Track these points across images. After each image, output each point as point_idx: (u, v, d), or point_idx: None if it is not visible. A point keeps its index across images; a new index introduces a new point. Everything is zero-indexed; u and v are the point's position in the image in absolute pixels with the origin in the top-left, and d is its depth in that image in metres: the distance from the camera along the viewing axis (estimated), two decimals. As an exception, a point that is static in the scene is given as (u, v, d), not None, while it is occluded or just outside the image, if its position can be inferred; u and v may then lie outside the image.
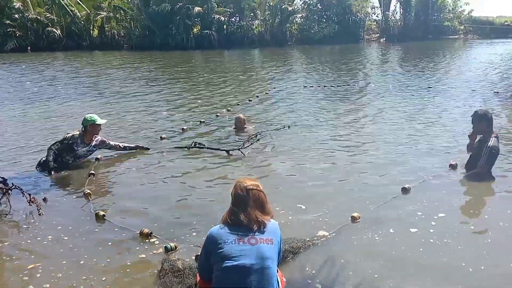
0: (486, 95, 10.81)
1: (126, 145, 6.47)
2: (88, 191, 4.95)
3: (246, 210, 2.71)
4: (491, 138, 5.07)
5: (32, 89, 13.25)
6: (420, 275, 3.27)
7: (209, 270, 2.70)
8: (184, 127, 7.89)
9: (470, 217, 4.37)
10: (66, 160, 5.91)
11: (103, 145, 6.21)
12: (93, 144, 6.07)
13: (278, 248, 2.76)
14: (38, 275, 3.37)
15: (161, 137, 7.28)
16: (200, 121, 8.44)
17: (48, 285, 3.22)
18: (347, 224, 4.05)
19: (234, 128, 7.72)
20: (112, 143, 6.33)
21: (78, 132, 5.96)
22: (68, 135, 5.94)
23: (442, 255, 3.50)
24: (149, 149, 6.56)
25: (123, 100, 11.25)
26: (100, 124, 6.02)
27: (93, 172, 5.60)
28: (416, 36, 34.54)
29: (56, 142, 5.90)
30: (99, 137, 6.15)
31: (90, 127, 5.94)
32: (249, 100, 10.60)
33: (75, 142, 5.89)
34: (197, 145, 6.57)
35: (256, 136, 6.45)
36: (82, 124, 5.99)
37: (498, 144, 5.10)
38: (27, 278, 3.34)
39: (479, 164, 5.10)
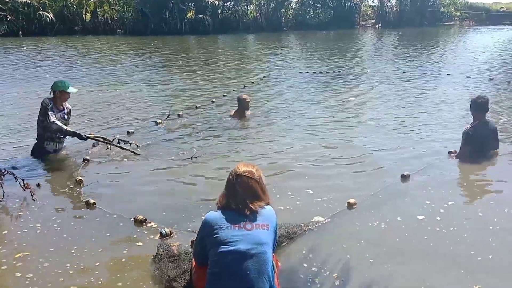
0: (481, 82, 10.82)
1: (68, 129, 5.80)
2: (80, 178, 4.86)
3: (235, 196, 2.71)
4: (476, 122, 5.25)
5: (25, 72, 13.09)
6: (423, 262, 3.26)
7: (204, 255, 2.70)
8: (180, 113, 7.84)
9: (476, 204, 4.32)
10: (56, 137, 5.69)
11: (69, 115, 5.86)
12: (65, 110, 5.77)
13: (274, 233, 2.76)
14: (24, 264, 3.30)
15: (156, 122, 7.25)
16: (196, 107, 8.40)
17: (31, 275, 3.15)
18: (343, 210, 4.06)
19: (235, 114, 7.57)
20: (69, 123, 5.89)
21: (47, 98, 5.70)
22: (43, 101, 5.61)
23: (448, 243, 3.49)
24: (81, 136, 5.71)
25: (130, 85, 11.20)
26: (69, 93, 5.68)
27: (87, 158, 5.53)
28: (412, 22, 34.42)
29: (47, 114, 5.49)
30: (68, 105, 5.88)
31: (58, 93, 5.63)
32: (244, 86, 10.54)
33: (50, 107, 5.56)
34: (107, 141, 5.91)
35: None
36: (51, 88, 5.66)
37: (478, 128, 5.19)
38: (10, 267, 3.27)
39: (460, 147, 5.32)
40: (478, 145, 5.21)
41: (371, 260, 3.27)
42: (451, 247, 3.44)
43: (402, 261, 3.28)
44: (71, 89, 5.68)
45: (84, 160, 5.47)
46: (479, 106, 5.28)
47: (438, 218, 3.89)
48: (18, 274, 3.17)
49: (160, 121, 7.30)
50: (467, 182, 4.94)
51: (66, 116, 5.80)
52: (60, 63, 15.51)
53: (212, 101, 8.87)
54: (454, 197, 4.39)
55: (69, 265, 3.26)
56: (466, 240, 3.55)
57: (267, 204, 2.80)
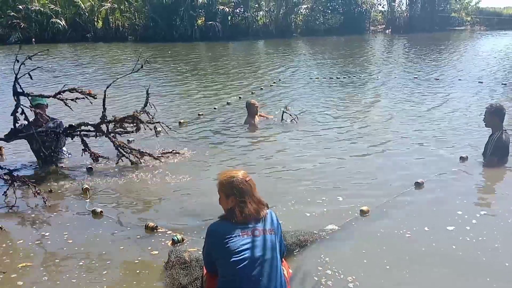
0: (494, 87, 10.68)
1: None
2: (87, 186, 4.84)
3: (254, 199, 2.69)
4: (499, 132, 5.19)
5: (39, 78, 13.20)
6: (445, 269, 3.22)
7: (213, 265, 2.70)
8: (182, 120, 7.84)
9: (505, 212, 4.13)
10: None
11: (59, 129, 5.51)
12: (49, 125, 5.52)
13: (280, 236, 2.77)
14: (27, 274, 3.29)
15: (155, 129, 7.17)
16: (199, 114, 8.37)
17: (32, 285, 3.12)
18: (356, 217, 4.02)
19: (246, 121, 7.57)
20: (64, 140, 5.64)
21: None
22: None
23: (481, 254, 3.41)
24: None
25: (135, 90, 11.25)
26: (42, 105, 5.38)
27: (91, 166, 5.47)
28: (422, 27, 34.13)
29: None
30: (57, 120, 5.63)
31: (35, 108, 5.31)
32: (252, 93, 10.53)
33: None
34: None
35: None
36: None
37: (506, 138, 5.18)
38: (12, 276, 3.25)
39: (486, 155, 5.26)
40: (505, 153, 5.22)
41: (388, 266, 3.25)
42: (483, 258, 3.36)
43: (421, 268, 3.24)
44: (38, 101, 5.37)
45: (88, 168, 5.43)
46: (503, 115, 5.23)
47: (468, 228, 3.80)
48: (20, 283, 3.16)
49: (159, 129, 7.23)
50: (484, 191, 4.86)
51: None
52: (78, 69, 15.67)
53: (214, 108, 8.86)
54: (472, 205, 4.32)
55: (69, 277, 3.24)
56: (498, 250, 3.46)
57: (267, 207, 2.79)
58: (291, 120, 7.53)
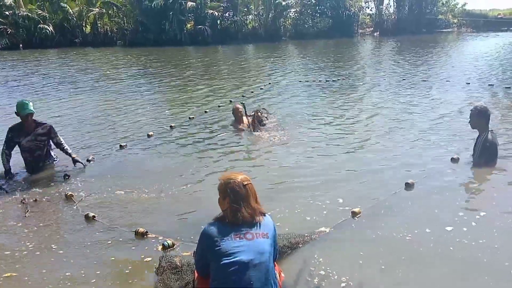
0: (481, 88, 10.80)
1: (68, 151, 5.68)
2: (71, 192, 4.76)
3: (249, 206, 2.66)
4: (485, 133, 5.18)
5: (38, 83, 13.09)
6: (446, 270, 3.23)
7: (206, 267, 2.67)
8: (172, 124, 7.80)
9: (503, 212, 4.12)
10: (29, 160, 5.55)
11: (49, 135, 5.59)
12: (37, 132, 5.50)
13: (274, 241, 2.74)
14: (10, 285, 3.21)
15: (148, 134, 7.13)
16: (189, 117, 8.33)
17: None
18: (348, 219, 4.02)
19: (231, 125, 7.60)
20: (59, 138, 5.65)
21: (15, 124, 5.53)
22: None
23: (481, 256, 3.39)
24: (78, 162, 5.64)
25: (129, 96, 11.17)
26: (28, 114, 5.35)
27: (68, 174, 5.37)
28: (410, 29, 34.51)
29: (4, 143, 5.45)
30: (47, 125, 5.60)
31: (23, 117, 5.37)
32: (242, 96, 10.52)
33: (14, 135, 5.43)
34: None
35: None
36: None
37: (493, 139, 5.18)
38: None
39: (474, 157, 5.28)
40: (493, 153, 5.21)
41: (383, 266, 3.26)
42: (485, 260, 3.34)
43: (415, 268, 3.25)
44: (24, 111, 5.34)
45: (65, 176, 5.33)
46: (488, 116, 5.22)
47: (465, 229, 3.80)
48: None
49: (151, 133, 7.19)
50: (475, 191, 4.87)
51: (41, 138, 5.54)
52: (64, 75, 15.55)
53: (205, 111, 8.83)
54: (464, 205, 4.34)
55: (59, 284, 3.19)
56: (497, 251, 3.46)
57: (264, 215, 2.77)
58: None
